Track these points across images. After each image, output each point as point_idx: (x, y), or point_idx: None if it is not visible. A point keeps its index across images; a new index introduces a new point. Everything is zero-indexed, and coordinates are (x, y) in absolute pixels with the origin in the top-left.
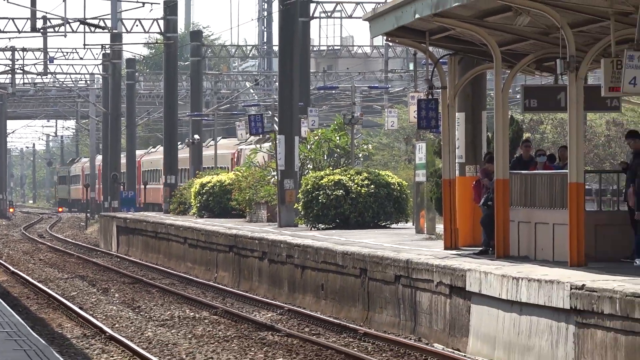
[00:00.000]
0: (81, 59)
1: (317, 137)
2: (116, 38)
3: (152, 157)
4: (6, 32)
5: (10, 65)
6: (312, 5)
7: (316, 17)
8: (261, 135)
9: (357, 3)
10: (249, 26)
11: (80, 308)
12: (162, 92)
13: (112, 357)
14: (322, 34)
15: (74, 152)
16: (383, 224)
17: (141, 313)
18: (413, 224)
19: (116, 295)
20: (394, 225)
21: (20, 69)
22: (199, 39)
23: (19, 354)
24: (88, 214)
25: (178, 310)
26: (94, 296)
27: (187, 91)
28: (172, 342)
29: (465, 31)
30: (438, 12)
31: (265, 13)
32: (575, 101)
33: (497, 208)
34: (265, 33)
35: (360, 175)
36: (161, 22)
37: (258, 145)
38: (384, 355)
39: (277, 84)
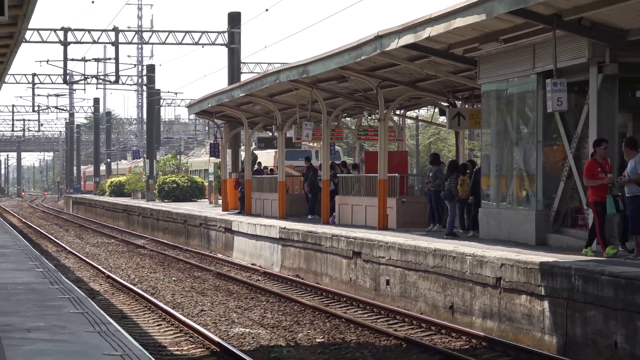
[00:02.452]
0: (55, 124)
1: (163, 160)
2: (71, 115)
3: (89, 169)
4: (20, 111)
5: (22, 128)
6: (162, 101)
7: (163, 105)
8: (139, 159)
9: (182, 99)
10: (134, 109)
11: (55, 238)
12: (93, 140)
13: (70, 259)
14: (167, 112)
15: (52, 168)
16: (193, 199)
17: (83, 240)
18: (207, 200)
19: (72, 232)
20: (199, 201)
21: (28, 130)
22: (110, 115)
23: (26, 259)
24: (59, 196)
25: (100, 239)
26: (61, 232)
27: (104, 139)
28: (97, 254)
29: (231, 112)
30: (219, 104)
31: (141, 102)
32: (282, 144)
33: (246, 192)
34: (140, 112)
35: (184, 177)
36: (92, 108)
37: (138, 164)
38: (194, 259)
39: (145, 136)
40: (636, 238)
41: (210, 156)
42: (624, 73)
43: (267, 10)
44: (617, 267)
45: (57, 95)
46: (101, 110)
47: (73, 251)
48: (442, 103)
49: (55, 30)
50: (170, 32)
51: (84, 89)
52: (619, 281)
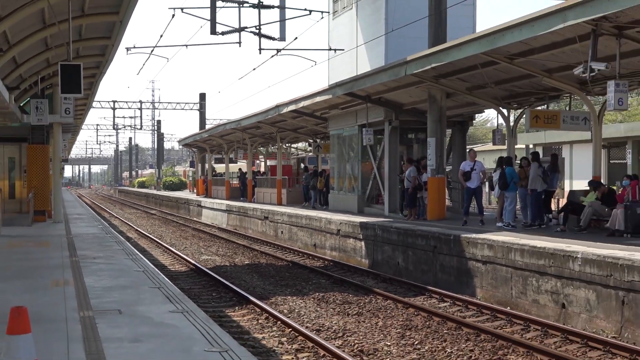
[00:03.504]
0: (108, 150)
1: (165, 170)
2: (117, 146)
3: (126, 173)
4: (89, 143)
5: (91, 153)
6: (165, 138)
7: (166, 141)
8: (153, 169)
9: (176, 138)
10: (150, 142)
11: (108, 210)
12: (128, 159)
13: (116, 221)
14: (167, 144)
15: (107, 173)
16: (181, 190)
17: (123, 211)
18: (188, 190)
19: (117, 206)
20: (184, 190)
21: (93, 153)
22: (137, 146)
23: (93, 221)
24: (110, 187)
25: (132, 210)
26: (112, 207)
27: (134, 158)
28: (131, 218)
29: (201, 144)
30: (194, 140)
31: (154, 139)
32: (227, 161)
33: (208, 186)
34: (154, 144)
35: (176, 178)
36: (128, 142)
37: (153, 171)
38: (181, 221)
39: (156, 157)
40: (409, 209)
41: (190, 167)
42: (402, 125)
43: (219, 92)
44: (399, 223)
45: (109, 136)
46: (133, 143)
47: (117, 217)
48: (310, 140)
49: (108, 101)
50: (169, 102)
51: (124, 132)
52: (399, 230)
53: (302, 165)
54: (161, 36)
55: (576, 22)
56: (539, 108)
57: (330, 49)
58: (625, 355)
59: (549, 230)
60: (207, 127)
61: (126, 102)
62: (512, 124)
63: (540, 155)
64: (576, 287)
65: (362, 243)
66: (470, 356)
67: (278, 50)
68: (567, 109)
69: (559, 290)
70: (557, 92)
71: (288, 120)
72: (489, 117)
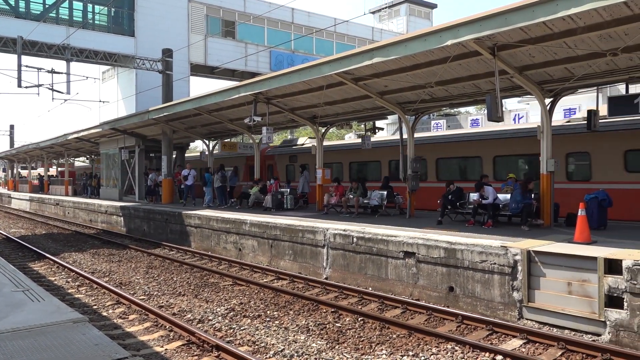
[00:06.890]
0: None
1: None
2: None
3: None
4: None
5: None
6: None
7: None
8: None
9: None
10: None
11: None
12: None
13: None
14: None
15: None
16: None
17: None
18: (1, 187)
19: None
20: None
21: None
22: None
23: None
24: None
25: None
26: None
27: None
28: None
29: (11, 158)
30: (6, 154)
31: None
32: (29, 168)
33: (16, 184)
34: None
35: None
36: None
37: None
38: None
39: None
40: (151, 197)
41: (3, 172)
42: (146, 148)
43: (24, 124)
44: (145, 206)
45: None
46: None
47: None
48: (88, 156)
49: None
50: None
51: None
52: (145, 209)
53: (85, 173)
54: None
55: (245, 94)
56: (227, 140)
57: (100, 101)
58: (273, 274)
59: (232, 208)
60: (16, 146)
61: None
62: (211, 149)
63: (225, 167)
64: (247, 239)
65: (122, 218)
66: (188, 280)
67: (65, 100)
68: (242, 141)
69: (237, 241)
70: (236, 132)
71: (72, 144)
72: (198, 145)
